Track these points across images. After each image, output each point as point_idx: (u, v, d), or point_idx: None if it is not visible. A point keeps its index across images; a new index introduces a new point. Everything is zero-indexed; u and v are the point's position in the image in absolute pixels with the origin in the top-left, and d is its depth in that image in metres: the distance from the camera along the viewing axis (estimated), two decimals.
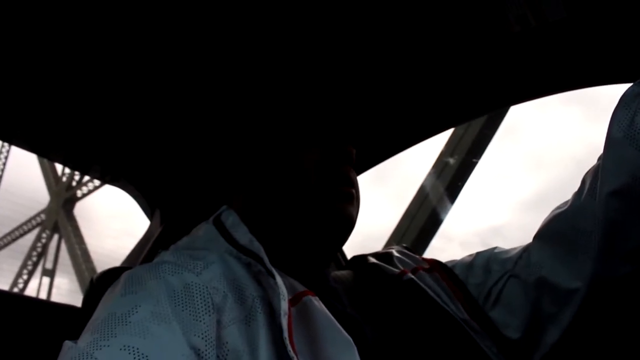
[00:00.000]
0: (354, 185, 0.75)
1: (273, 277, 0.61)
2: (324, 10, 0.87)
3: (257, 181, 0.76)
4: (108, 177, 1.36)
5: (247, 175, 0.78)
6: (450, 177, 5.73)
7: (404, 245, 0.93)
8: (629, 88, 0.66)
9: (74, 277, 15.74)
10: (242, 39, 0.92)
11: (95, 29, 0.89)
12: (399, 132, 1.18)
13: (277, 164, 0.74)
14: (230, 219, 0.72)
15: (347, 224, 0.72)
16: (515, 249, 0.82)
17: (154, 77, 1.02)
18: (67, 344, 0.52)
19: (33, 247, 17.44)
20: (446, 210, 5.82)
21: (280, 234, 0.72)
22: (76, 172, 15.25)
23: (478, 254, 0.85)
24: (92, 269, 15.33)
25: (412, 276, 0.79)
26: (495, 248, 0.85)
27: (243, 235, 0.68)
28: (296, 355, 0.54)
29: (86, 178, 16.28)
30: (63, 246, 16.65)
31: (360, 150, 1.22)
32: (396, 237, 5.89)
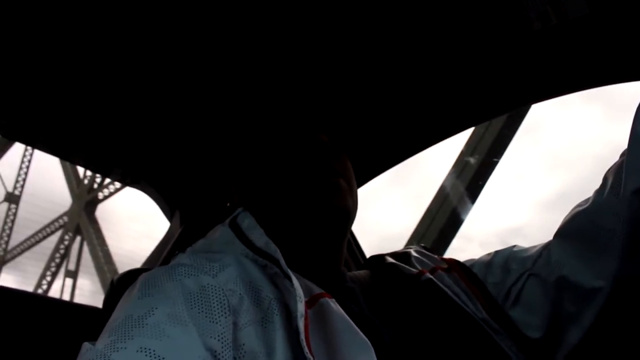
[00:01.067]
0: (335, 173, 0.73)
1: (289, 279, 0.61)
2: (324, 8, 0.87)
3: (244, 186, 0.77)
4: (128, 180, 1.38)
5: (237, 180, 0.79)
6: (470, 177, 5.68)
7: (422, 245, 0.92)
8: None
9: (95, 279, 15.94)
10: (248, 44, 0.92)
11: (117, 34, 0.90)
12: (419, 132, 1.17)
13: (256, 169, 0.75)
14: (247, 222, 0.72)
15: (338, 214, 0.72)
16: (535, 247, 0.81)
17: (174, 82, 1.03)
18: (86, 345, 0.53)
19: (56, 249, 17.68)
20: (466, 210, 5.77)
21: (277, 235, 0.72)
22: (97, 175, 15.47)
23: (497, 252, 0.84)
24: (114, 270, 15.50)
25: (431, 276, 0.78)
26: (514, 246, 0.84)
27: (259, 237, 0.68)
28: (313, 357, 0.53)
29: (107, 180, 16.51)
30: (85, 248, 16.88)
31: (381, 150, 1.22)
32: (416, 237, 5.86)
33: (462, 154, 5.78)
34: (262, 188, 0.74)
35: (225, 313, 0.57)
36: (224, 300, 0.58)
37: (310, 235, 0.72)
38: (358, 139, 1.18)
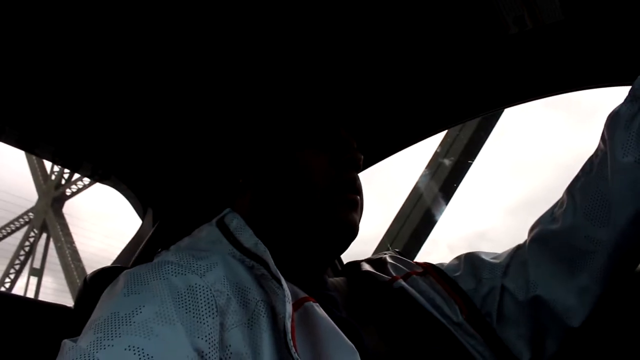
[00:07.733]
0: (359, 192, 0.76)
1: (278, 281, 0.60)
2: (324, 14, 0.86)
3: (265, 184, 0.76)
4: (98, 175, 1.34)
5: (253, 178, 0.78)
6: (444, 178, 5.74)
7: (397, 250, 0.93)
8: (621, 109, 0.67)
9: (59, 276, 15.66)
10: (242, 38, 0.91)
11: (86, 23, 0.87)
12: (395, 133, 1.18)
13: (286, 169, 0.75)
14: (235, 222, 0.72)
15: (350, 230, 0.73)
16: (501, 254, 0.82)
17: (148, 73, 1.00)
18: (67, 344, 0.51)
19: (21, 246, 17.30)
20: (440, 212, 5.83)
21: (284, 238, 0.73)
22: (65, 170, 15.18)
23: (465, 258, 0.85)
24: (82, 268, 15.24)
25: (403, 283, 0.79)
26: (480, 252, 0.85)
27: (249, 238, 0.68)
28: (299, 358, 0.53)
29: (76, 176, 16.21)
30: (51, 245, 16.54)
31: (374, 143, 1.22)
32: (389, 238, 5.89)
33: (436, 155, 5.84)
34: (282, 186, 0.74)
35: (212, 314, 0.57)
36: (211, 300, 0.58)
37: (313, 244, 0.73)
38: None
